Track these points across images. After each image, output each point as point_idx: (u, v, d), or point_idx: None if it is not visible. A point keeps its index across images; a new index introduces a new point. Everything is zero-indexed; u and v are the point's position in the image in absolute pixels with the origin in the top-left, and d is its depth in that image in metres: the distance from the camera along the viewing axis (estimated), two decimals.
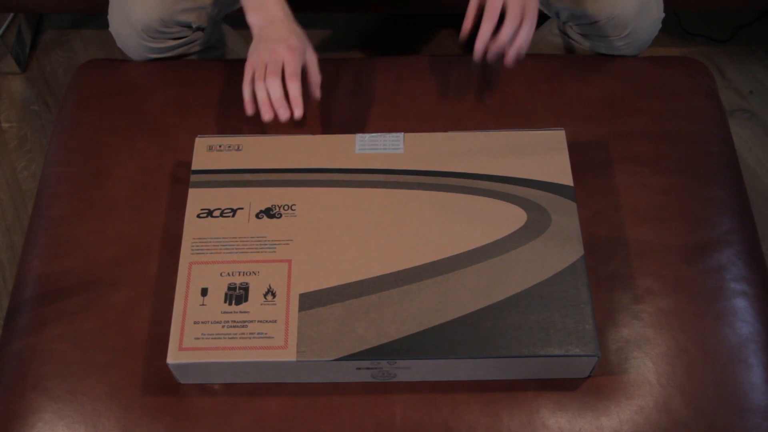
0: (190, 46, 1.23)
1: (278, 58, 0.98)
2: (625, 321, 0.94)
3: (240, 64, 1.20)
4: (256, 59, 1.00)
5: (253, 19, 1.04)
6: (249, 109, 1.00)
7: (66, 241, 1.02)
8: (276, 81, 0.97)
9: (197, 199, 0.97)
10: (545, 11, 1.22)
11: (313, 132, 1.10)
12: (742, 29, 1.76)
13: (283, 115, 0.97)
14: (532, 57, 1.22)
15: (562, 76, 1.17)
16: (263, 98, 0.98)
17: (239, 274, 0.91)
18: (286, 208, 0.96)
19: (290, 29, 1.02)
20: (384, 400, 0.89)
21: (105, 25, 1.20)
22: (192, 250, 0.93)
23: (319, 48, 1.76)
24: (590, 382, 0.90)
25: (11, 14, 1.73)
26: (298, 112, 0.97)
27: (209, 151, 1.02)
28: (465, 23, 1.01)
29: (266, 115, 0.97)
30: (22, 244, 1.25)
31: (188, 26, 1.18)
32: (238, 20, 1.07)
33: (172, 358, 0.86)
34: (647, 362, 0.92)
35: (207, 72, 1.19)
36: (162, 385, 0.91)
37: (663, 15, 1.17)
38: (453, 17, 1.74)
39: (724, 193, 1.05)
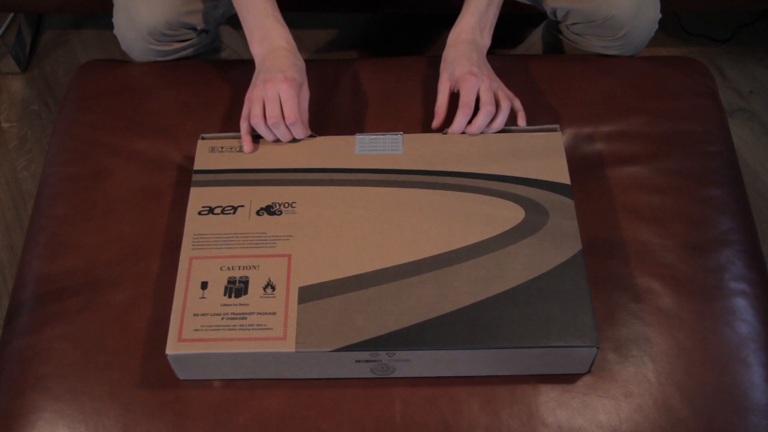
0: (195, 48, 1.23)
1: (275, 93, 0.99)
2: (624, 320, 0.94)
3: (241, 64, 1.21)
4: (251, 94, 1.01)
5: (256, 49, 1.05)
6: (246, 147, 1.01)
7: (66, 241, 1.02)
8: (281, 128, 1.00)
9: (198, 197, 0.98)
10: (542, 10, 1.22)
11: (313, 132, 1.10)
12: (742, 29, 1.77)
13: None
14: (531, 57, 1.22)
15: (562, 76, 1.17)
16: (272, 139, 1.02)
17: (239, 268, 0.91)
18: (286, 205, 0.96)
19: (290, 61, 1.02)
20: (383, 397, 0.90)
21: (105, 25, 1.21)
22: (193, 245, 0.93)
23: (319, 48, 1.77)
24: (590, 380, 0.91)
25: (11, 14, 1.73)
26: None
27: (211, 152, 1.02)
28: (437, 119, 1.05)
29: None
30: (22, 244, 1.25)
31: (193, 28, 1.19)
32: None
33: (171, 349, 0.86)
34: (647, 361, 0.92)
35: (207, 72, 1.20)
36: (162, 383, 0.91)
37: (660, 16, 1.17)
38: (453, 17, 1.74)
39: (724, 193, 1.05)
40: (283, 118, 0.99)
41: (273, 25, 1.04)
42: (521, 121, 1.03)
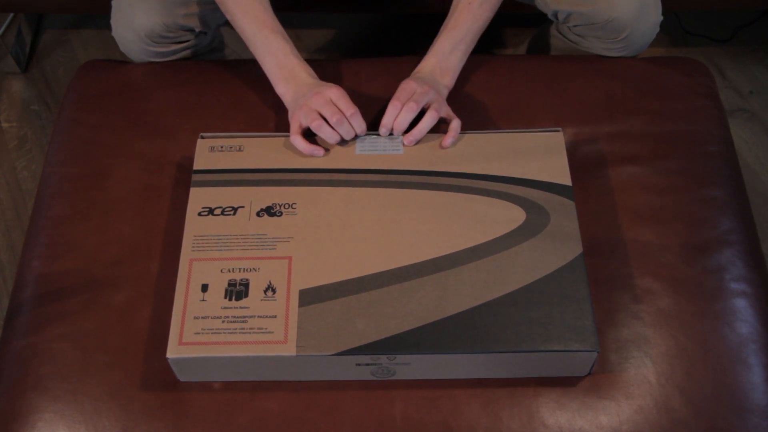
0: (194, 49, 1.23)
1: (326, 99, 1.00)
2: (624, 321, 0.94)
3: (241, 64, 1.20)
4: (299, 112, 1.01)
5: (282, 89, 1.06)
6: (319, 151, 1.01)
7: (66, 241, 1.02)
8: (345, 124, 1.00)
9: (198, 197, 0.98)
10: (543, 11, 1.22)
11: None
12: (742, 29, 1.77)
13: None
14: (531, 57, 1.22)
15: (562, 77, 1.17)
16: (336, 140, 1.01)
17: (239, 271, 0.91)
18: (286, 206, 0.96)
19: (322, 82, 1.04)
20: (384, 399, 0.90)
21: (105, 25, 1.21)
22: (193, 247, 0.93)
23: (319, 48, 1.76)
24: (590, 382, 0.91)
25: (11, 14, 1.73)
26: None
27: (211, 152, 1.02)
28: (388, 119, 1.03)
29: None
30: (22, 244, 1.25)
31: (191, 30, 1.19)
32: None
33: (172, 352, 0.86)
34: (647, 362, 0.92)
35: (207, 72, 1.19)
36: (162, 384, 0.91)
37: (661, 18, 1.17)
38: None
39: (724, 193, 1.05)
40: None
41: (294, 62, 1.05)
42: (445, 140, 1.02)
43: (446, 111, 1.04)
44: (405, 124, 1.01)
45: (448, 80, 1.09)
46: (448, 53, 1.09)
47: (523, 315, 0.87)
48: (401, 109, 1.01)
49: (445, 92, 1.08)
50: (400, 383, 0.90)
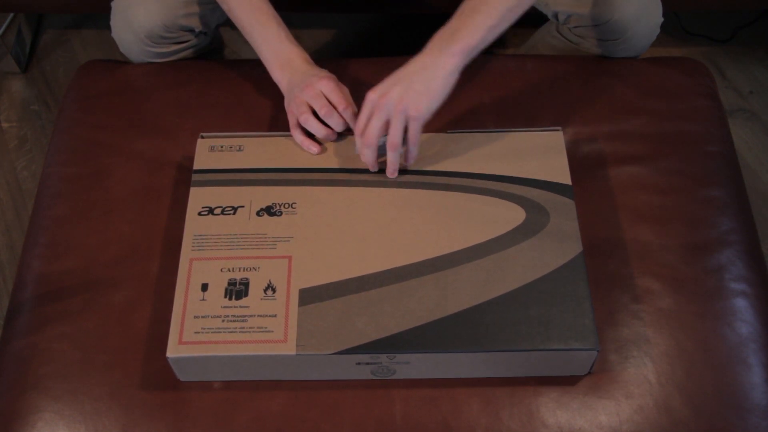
0: (194, 50, 1.23)
1: (317, 91, 0.99)
2: (624, 321, 0.94)
3: (241, 64, 1.20)
4: (291, 106, 1.01)
5: (278, 76, 1.05)
6: (315, 148, 1.01)
7: (66, 241, 1.02)
8: (335, 117, 1.00)
9: (198, 197, 0.98)
10: (544, 12, 1.22)
11: None
12: (742, 29, 1.77)
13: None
14: (531, 57, 1.22)
15: (562, 77, 1.17)
16: (325, 135, 1.01)
17: (239, 270, 0.91)
18: (286, 206, 0.96)
19: (316, 69, 1.04)
20: (384, 398, 0.90)
21: (105, 25, 1.20)
22: (193, 246, 0.93)
23: (319, 48, 1.76)
24: (590, 381, 0.91)
25: (11, 14, 1.73)
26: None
27: (211, 152, 1.02)
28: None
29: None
30: (22, 244, 1.25)
31: (191, 30, 1.19)
32: None
33: (172, 351, 0.86)
34: (647, 362, 0.92)
35: (207, 72, 1.19)
36: (162, 384, 0.91)
37: (662, 20, 1.17)
38: None
39: (724, 193, 1.05)
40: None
41: (290, 48, 1.05)
42: (407, 159, 0.99)
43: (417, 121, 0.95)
44: (374, 139, 0.95)
45: (461, 43, 0.97)
46: (468, 14, 0.99)
47: (522, 314, 0.87)
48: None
49: (452, 61, 0.96)
50: (400, 383, 0.90)
